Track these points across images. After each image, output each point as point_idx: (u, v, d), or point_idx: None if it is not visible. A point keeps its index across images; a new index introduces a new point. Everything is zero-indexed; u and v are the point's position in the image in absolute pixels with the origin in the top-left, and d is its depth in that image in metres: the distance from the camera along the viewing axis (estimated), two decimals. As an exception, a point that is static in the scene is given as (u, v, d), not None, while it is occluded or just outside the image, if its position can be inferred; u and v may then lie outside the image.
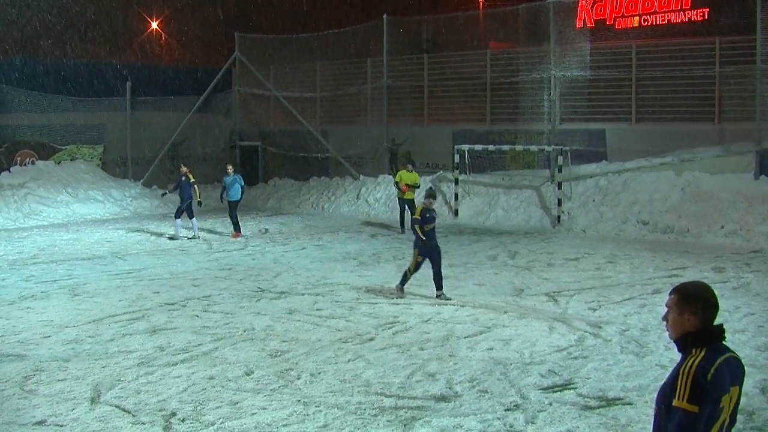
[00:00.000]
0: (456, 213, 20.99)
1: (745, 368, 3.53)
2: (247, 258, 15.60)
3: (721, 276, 13.16)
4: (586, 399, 7.35)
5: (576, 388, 7.64)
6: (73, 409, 7.17)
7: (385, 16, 24.57)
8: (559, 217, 19.29)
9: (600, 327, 9.92)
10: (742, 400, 7.23)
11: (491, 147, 21.24)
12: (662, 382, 3.47)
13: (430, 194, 11.93)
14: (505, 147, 21.31)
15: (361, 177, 24.27)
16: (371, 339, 9.47)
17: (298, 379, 7.98)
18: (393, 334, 9.70)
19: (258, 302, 11.56)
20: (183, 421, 6.86)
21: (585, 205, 19.37)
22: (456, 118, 24.10)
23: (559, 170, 19.59)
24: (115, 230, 19.71)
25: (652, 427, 3.49)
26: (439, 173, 22.57)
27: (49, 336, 9.72)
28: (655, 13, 21.23)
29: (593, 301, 11.37)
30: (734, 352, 3.40)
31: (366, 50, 25.43)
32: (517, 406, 7.16)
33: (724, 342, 3.40)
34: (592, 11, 21.98)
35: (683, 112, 20.01)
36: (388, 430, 6.66)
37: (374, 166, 24.77)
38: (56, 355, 8.89)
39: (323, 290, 12.33)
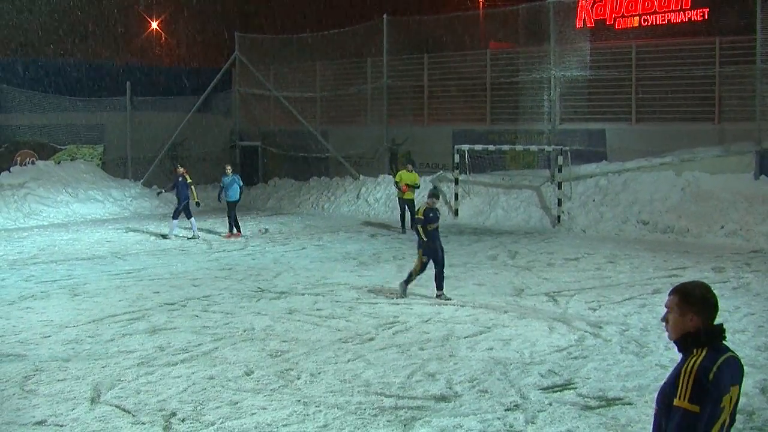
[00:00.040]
0: (456, 213, 20.99)
1: (745, 368, 3.54)
2: (247, 258, 15.60)
3: (721, 276, 13.16)
4: (586, 399, 7.35)
5: (576, 388, 7.64)
6: (73, 409, 7.17)
7: (385, 16, 24.58)
8: (559, 217, 19.29)
9: (600, 327, 9.92)
10: (742, 400, 7.23)
11: (491, 147, 21.25)
12: (662, 382, 3.47)
13: (434, 194, 11.90)
14: (505, 147, 21.31)
15: (361, 177, 24.28)
16: (371, 339, 9.47)
17: (298, 379, 7.98)
18: (393, 334, 9.70)
19: (258, 302, 11.55)
20: (183, 421, 6.86)
21: (585, 205, 19.37)
22: (456, 118, 24.11)
23: (559, 170, 19.60)
24: (115, 230, 19.71)
25: (652, 426, 3.49)
26: (439, 173, 22.57)
27: (49, 336, 9.72)
28: (655, 13, 21.23)
29: (593, 301, 11.37)
30: (733, 352, 3.40)
31: (366, 50, 25.43)
32: (517, 406, 7.16)
33: (724, 342, 3.40)
34: (592, 11, 21.99)
35: (683, 112, 20.02)
36: (388, 430, 6.66)
37: (374, 166, 24.77)
38: (56, 355, 8.88)
39: (323, 290, 12.33)
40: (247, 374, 8.13)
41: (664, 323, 3.49)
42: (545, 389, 7.60)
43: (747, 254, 15.25)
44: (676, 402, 3.24)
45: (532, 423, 6.75)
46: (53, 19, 36.32)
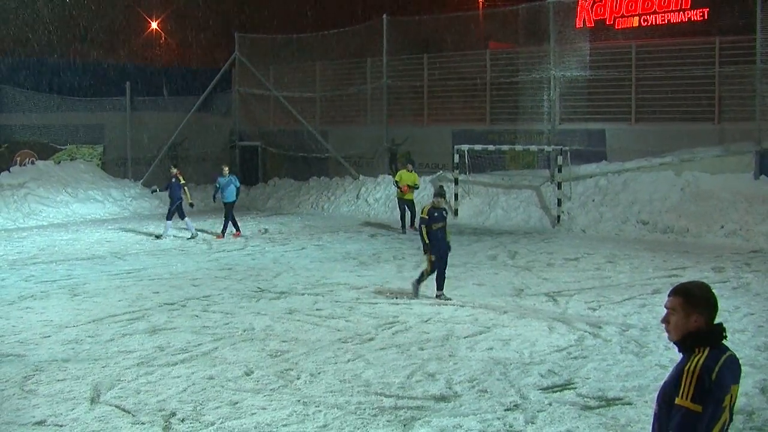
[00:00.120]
0: (456, 213, 20.97)
1: (745, 368, 3.54)
2: (246, 258, 15.60)
3: (721, 276, 13.16)
4: (585, 399, 7.35)
5: (576, 388, 7.64)
6: (73, 409, 7.17)
7: (384, 16, 24.57)
8: (558, 217, 19.29)
9: (600, 327, 9.92)
10: (742, 399, 7.23)
11: (491, 147, 21.25)
12: (663, 381, 3.47)
13: (439, 193, 11.83)
14: (505, 147, 21.31)
15: (361, 177, 24.28)
16: (371, 339, 9.46)
17: (298, 379, 7.98)
18: (393, 334, 9.70)
19: (258, 302, 11.55)
20: (183, 421, 6.86)
21: (585, 205, 19.37)
22: (456, 118, 24.11)
23: (559, 170, 19.59)
24: (115, 230, 19.71)
25: (651, 426, 3.48)
26: (438, 173, 22.57)
27: (49, 336, 9.72)
28: (654, 13, 21.25)
29: (593, 301, 11.36)
30: (731, 351, 3.41)
31: (366, 50, 25.43)
32: (516, 406, 7.15)
33: (724, 341, 3.40)
34: (591, 11, 22.00)
35: (683, 112, 20.01)
36: (387, 430, 6.66)
37: (374, 166, 24.77)
38: (56, 355, 8.88)
39: (323, 290, 12.33)
40: (247, 374, 8.12)
41: (664, 324, 3.48)
42: (545, 389, 7.60)
43: (747, 254, 15.25)
44: (678, 401, 3.24)
45: (532, 423, 6.75)
46: (53, 19, 36.32)
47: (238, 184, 18.59)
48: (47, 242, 17.75)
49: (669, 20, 20.95)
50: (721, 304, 3.58)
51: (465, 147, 21.20)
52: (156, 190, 20.13)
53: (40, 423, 6.86)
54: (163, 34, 44.72)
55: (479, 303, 11.33)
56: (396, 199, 19.92)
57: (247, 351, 8.97)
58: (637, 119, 20.87)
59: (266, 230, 19.39)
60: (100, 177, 25.02)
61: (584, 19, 21.89)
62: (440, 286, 11.61)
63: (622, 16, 21.69)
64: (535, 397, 7.36)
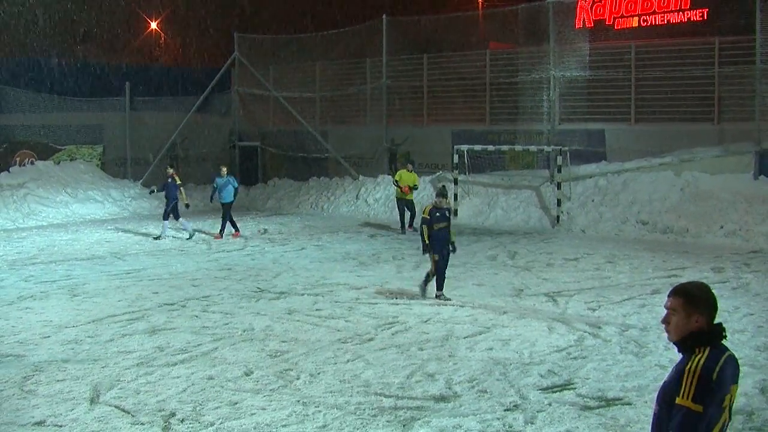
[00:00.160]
0: (455, 213, 20.95)
1: (745, 368, 3.55)
2: (246, 258, 15.60)
3: (721, 276, 13.17)
4: (585, 399, 7.35)
5: (575, 388, 7.64)
6: (73, 409, 7.17)
7: (384, 16, 24.58)
8: (558, 217, 19.29)
9: (599, 327, 9.92)
10: (742, 399, 7.23)
11: (491, 147, 21.25)
12: (663, 381, 3.46)
13: (441, 193, 11.81)
14: (505, 147, 21.32)
15: (361, 177, 24.27)
16: (371, 339, 9.46)
17: (298, 379, 7.98)
18: (392, 334, 9.70)
19: (257, 302, 11.55)
20: (182, 421, 6.86)
21: (584, 205, 19.37)
22: (455, 118, 24.11)
23: (559, 170, 19.60)
24: (115, 230, 19.71)
25: (651, 425, 3.48)
26: (438, 173, 22.57)
27: (49, 336, 9.72)
28: (654, 13, 21.23)
29: (593, 302, 11.36)
30: (731, 351, 3.41)
31: (365, 50, 25.43)
32: (516, 406, 7.15)
33: (723, 341, 3.40)
34: (591, 11, 21.99)
35: (683, 113, 20.02)
36: (387, 430, 6.66)
37: (373, 166, 24.77)
38: (55, 355, 8.88)
39: (323, 290, 12.33)
40: (247, 374, 8.12)
41: (664, 324, 3.48)
42: (545, 389, 7.60)
43: (746, 254, 15.26)
44: (678, 401, 3.24)
45: (532, 423, 6.75)
46: (53, 19, 36.32)
47: (236, 185, 18.55)
48: (47, 242, 17.75)
49: (668, 20, 20.94)
50: (721, 304, 3.58)
51: (465, 147, 21.21)
52: (154, 191, 20.15)
53: (40, 423, 6.86)
54: (162, 34, 44.73)
55: (479, 303, 11.33)
56: (395, 199, 19.92)
57: (246, 351, 8.97)
58: (636, 119, 20.87)
59: (266, 230, 19.38)
60: (99, 177, 25.01)
61: (584, 20, 21.88)
62: (440, 286, 11.61)
63: (622, 17, 21.69)
64: (534, 398, 7.36)
